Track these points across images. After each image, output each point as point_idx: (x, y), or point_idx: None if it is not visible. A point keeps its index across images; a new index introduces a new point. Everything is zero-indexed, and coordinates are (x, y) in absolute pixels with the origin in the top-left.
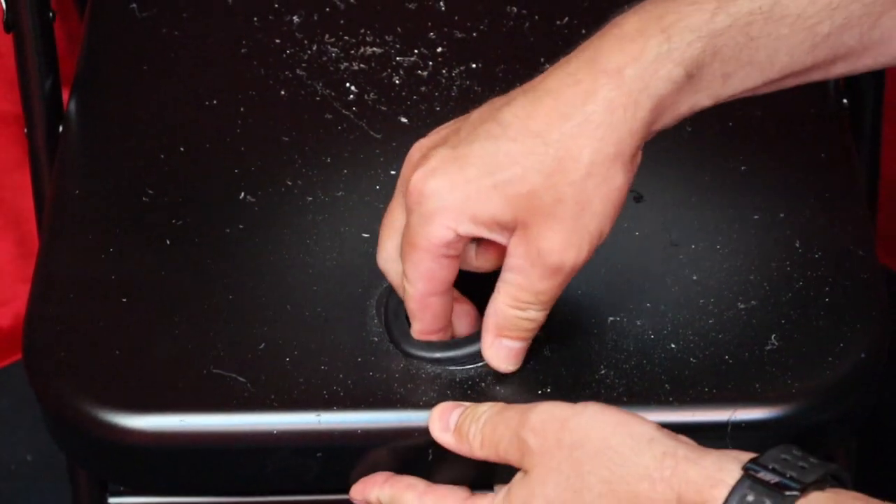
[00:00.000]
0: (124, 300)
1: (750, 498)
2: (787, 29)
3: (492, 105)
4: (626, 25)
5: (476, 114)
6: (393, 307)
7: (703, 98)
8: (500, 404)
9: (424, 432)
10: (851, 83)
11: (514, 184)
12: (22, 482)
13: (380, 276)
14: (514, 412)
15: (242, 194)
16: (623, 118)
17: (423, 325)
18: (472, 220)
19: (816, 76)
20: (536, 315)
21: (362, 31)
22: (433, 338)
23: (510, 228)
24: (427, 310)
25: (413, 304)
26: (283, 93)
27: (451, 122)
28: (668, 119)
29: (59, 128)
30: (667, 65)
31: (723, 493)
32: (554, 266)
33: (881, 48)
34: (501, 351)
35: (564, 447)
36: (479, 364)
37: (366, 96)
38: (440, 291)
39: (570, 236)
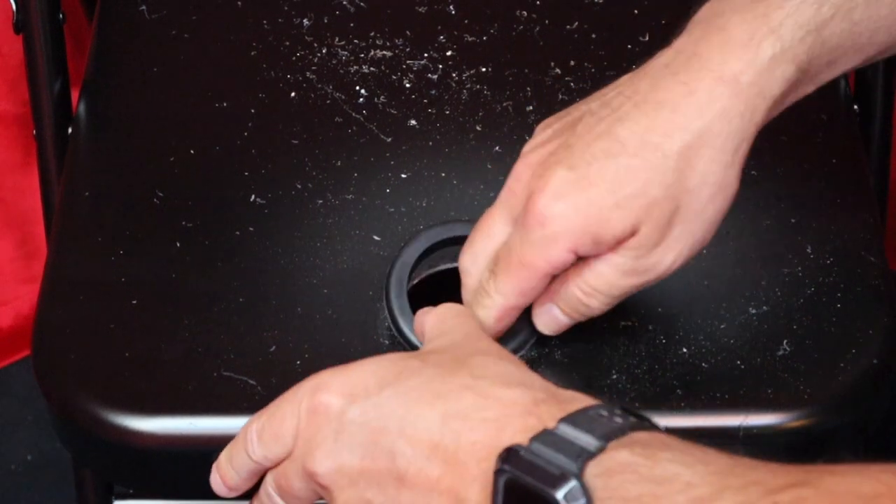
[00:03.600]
0: (134, 302)
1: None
2: (887, 9)
3: (598, 115)
4: (733, 28)
5: (584, 126)
6: (401, 310)
7: (809, 87)
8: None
9: None
10: (862, 88)
11: (636, 198)
12: (22, 482)
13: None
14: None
15: (252, 197)
16: (740, 125)
17: (502, 326)
18: (594, 241)
19: None
20: (599, 305)
21: (372, 34)
22: (508, 321)
23: (622, 241)
24: (504, 321)
25: (495, 313)
26: (292, 95)
27: (553, 127)
28: (777, 112)
29: (68, 129)
30: (781, 65)
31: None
32: (645, 267)
33: None
34: (547, 315)
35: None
36: None
37: (376, 99)
38: (524, 305)
39: (674, 243)
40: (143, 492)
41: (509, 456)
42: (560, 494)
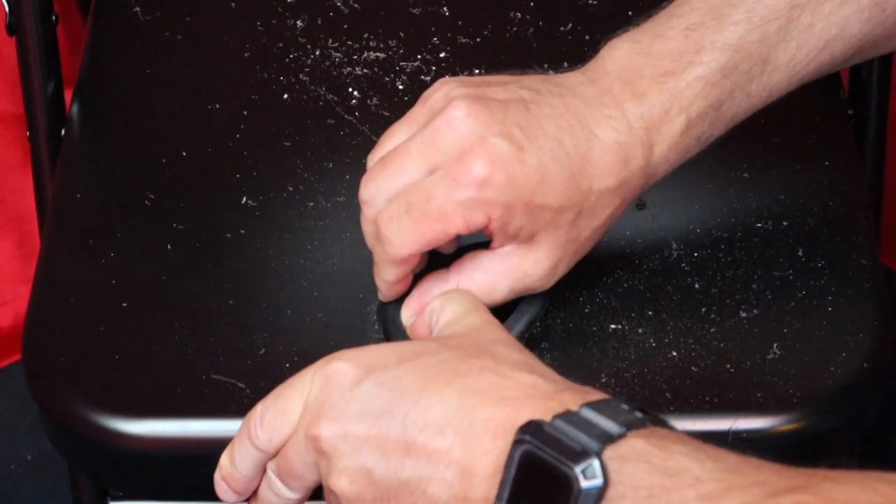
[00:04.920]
0: (124, 304)
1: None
2: (780, 76)
3: (548, 108)
4: (652, 99)
5: (539, 110)
6: (392, 312)
7: (696, 149)
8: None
9: None
10: (857, 91)
11: (554, 212)
12: (22, 482)
13: None
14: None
15: (244, 199)
16: (640, 187)
17: (391, 276)
18: (505, 225)
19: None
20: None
21: (366, 35)
22: (400, 286)
23: (520, 240)
24: (405, 265)
25: (392, 256)
26: (285, 97)
27: (500, 98)
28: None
29: (61, 130)
30: (685, 140)
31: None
32: (522, 290)
33: (865, 57)
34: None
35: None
36: None
37: (368, 101)
38: (420, 255)
39: (560, 264)
40: (134, 494)
41: (531, 428)
42: (578, 469)
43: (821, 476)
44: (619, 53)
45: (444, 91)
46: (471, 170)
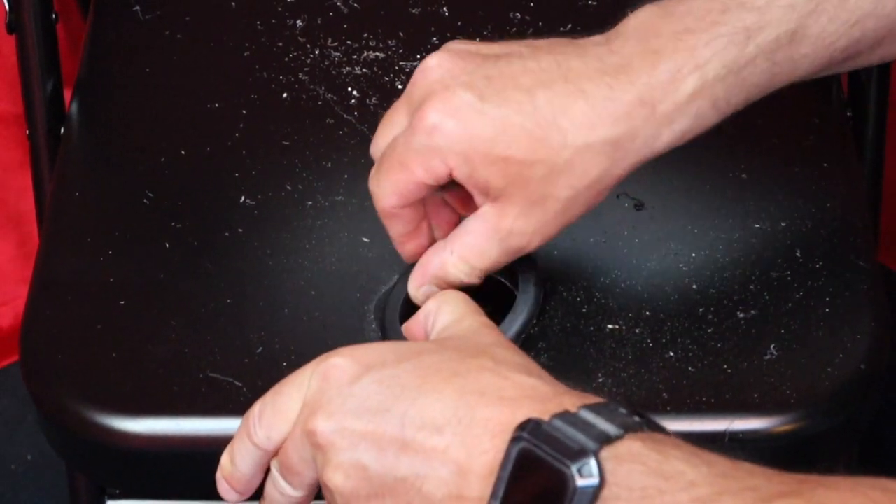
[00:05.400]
0: (122, 303)
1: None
2: (808, 48)
3: (525, 64)
4: (664, 55)
5: (509, 67)
6: (390, 313)
7: (716, 119)
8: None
9: None
10: (855, 93)
11: (521, 165)
12: (22, 482)
13: (378, 281)
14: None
15: (242, 198)
16: (641, 147)
17: (394, 232)
18: (469, 174)
19: (828, 73)
20: (471, 277)
21: (365, 35)
22: (411, 245)
23: (493, 196)
24: (394, 219)
25: (378, 208)
26: (284, 96)
27: (484, 53)
28: (679, 143)
29: (60, 129)
30: (697, 101)
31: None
32: (514, 247)
33: (892, 48)
34: (423, 292)
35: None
36: None
37: (367, 101)
38: (409, 205)
39: (544, 227)
40: (132, 493)
41: (529, 426)
42: (574, 467)
43: (813, 482)
44: (643, 15)
45: (445, 45)
46: (425, 117)
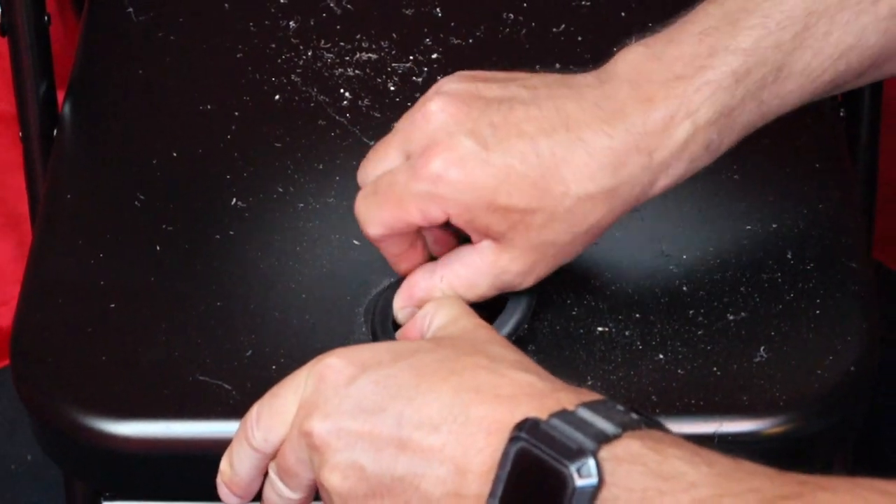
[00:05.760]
0: (113, 306)
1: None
2: (794, 84)
3: (527, 111)
4: (657, 103)
5: (512, 113)
6: (381, 316)
7: (708, 160)
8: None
9: None
10: (849, 94)
11: (523, 213)
12: (22, 482)
13: (368, 283)
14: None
15: (234, 200)
16: (639, 194)
17: (387, 253)
18: (469, 221)
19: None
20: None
21: (358, 36)
22: (405, 265)
23: (492, 238)
24: (382, 244)
25: (365, 233)
26: (277, 98)
27: (485, 95)
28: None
29: (53, 131)
30: (690, 147)
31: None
32: (503, 283)
33: (880, 73)
34: (405, 313)
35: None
36: None
37: (360, 102)
38: (387, 238)
39: (539, 269)
40: (124, 495)
41: (527, 425)
42: (573, 467)
43: (813, 483)
44: (631, 57)
45: (441, 83)
46: (429, 164)
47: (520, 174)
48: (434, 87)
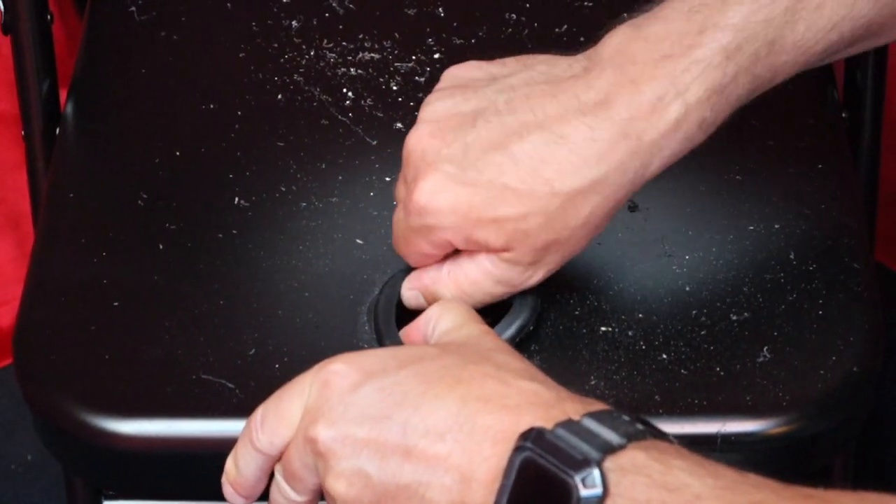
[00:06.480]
0: (116, 304)
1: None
2: (787, 56)
3: (501, 119)
4: (643, 85)
5: (485, 126)
6: (384, 314)
7: (702, 136)
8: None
9: None
10: (851, 95)
11: (515, 221)
12: (22, 482)
13: (372, 282)
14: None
15: (237, 199)
16: (632, 179)
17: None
18: (467, 240)
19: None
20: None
21: (361, 36)
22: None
23: (496, 251)
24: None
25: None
26: (279, 97)
27: (462, 111)
28: (672, 162)
29: (55, 129)
30: (683, 126)
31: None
32: (511, 283)
33: (871, 42)
34: (411, 295)
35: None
36: None
37: (362, 102)
38: (427, 265)
39: (544, 265)
40: (126, 493)
41: (532, 435)
42: (578, 478)
43: (819, 498)
44: (617, 39)
45: (424, 104)
46: (413, 198)
47: (501, 185)
48: (420, 112)
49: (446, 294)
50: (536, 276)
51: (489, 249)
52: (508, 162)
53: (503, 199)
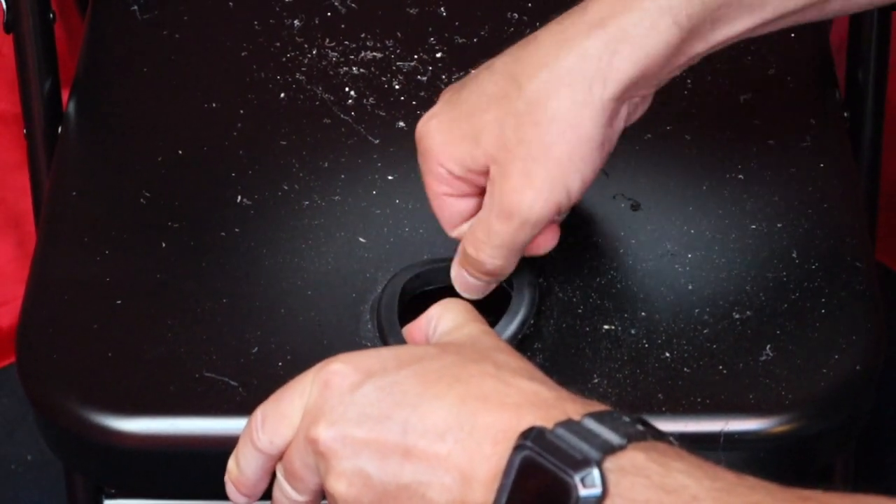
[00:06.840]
0: (118, 302)
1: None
2: None
3: (493, 65)
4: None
5: (476, 72)
6: (387, 312)
7: (698, 46)
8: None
9: None
10: (853, 94)
11: (488, 125)
12: (22, 482)
13: (374, 281)
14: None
15: (239, 198)
16: (597, 67)
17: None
18: (453, 160)
19: (811, 15)
20: (489, 259)
21: (363, 35)
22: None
23: (485, 171)
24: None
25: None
26: (282, 96)
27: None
28: (664, 72)
29: (57, 128)
30: (655, 17)
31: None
32: (508, 208)
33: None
34: (460, 279)
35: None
36: None
37: (364, 101)
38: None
39: (528, 180)
40: (128, 492)
41: (532, 434)
42: (578, 477)
43: (815, 500)
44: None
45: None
46: (416, 130)
47: (489, 120)
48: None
49: (487, 258)
50: (526, 199)
51: (475, 167)
52: (486, 72)
53: (478, 106)
